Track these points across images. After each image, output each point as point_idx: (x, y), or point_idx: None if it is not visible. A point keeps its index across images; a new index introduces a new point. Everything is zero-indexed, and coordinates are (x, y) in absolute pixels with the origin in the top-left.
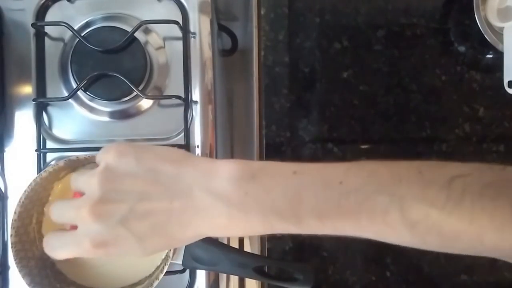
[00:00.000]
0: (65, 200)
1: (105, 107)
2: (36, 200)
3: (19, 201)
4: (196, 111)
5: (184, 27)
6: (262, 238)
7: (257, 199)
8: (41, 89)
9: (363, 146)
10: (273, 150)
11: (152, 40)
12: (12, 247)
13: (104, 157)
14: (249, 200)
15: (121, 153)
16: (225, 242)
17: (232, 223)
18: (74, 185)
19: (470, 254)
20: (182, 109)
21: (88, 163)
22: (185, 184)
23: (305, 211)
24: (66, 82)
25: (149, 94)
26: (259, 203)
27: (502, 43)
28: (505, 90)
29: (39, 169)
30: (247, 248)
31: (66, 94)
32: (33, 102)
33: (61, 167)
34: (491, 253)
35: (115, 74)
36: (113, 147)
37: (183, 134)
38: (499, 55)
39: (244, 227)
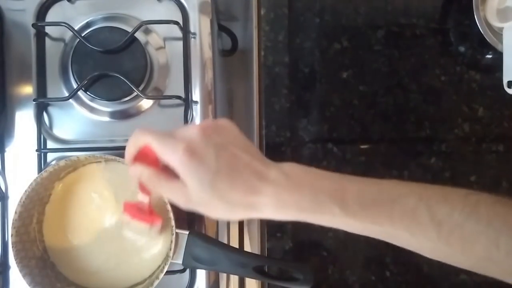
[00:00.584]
0: None
1: (106, 107)
2: (37, 200)
3: (20, 201)
4: (196, 111)
5: (184, 28)
6: (262, 237)
7: (310, 181)
8: (41, 89)
9: (362, 146)
10: (273, 150)
11: (153, 40)
12: (12, 247)
13: (217, 119)
14: (304, 181)
15: (231, 122)
16: (225, 241)
17: (289, 196)
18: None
19: (485, 267)
20: (182, 109)
21: (89, 163)
22: (265, 160)
23: (349, 196)
24: (67, 82)
25: (149, 94)
26: (312, 183)
27: (502, 43)
28: (505, 90)
29: (40, 169)
30: (247, 248)
31: (66, 94)
32: (34, 102)
33: (61, 167)
34: (504, 262)
35: (115, 74)
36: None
37: None
38: (499, 55)
39: (297, 201)
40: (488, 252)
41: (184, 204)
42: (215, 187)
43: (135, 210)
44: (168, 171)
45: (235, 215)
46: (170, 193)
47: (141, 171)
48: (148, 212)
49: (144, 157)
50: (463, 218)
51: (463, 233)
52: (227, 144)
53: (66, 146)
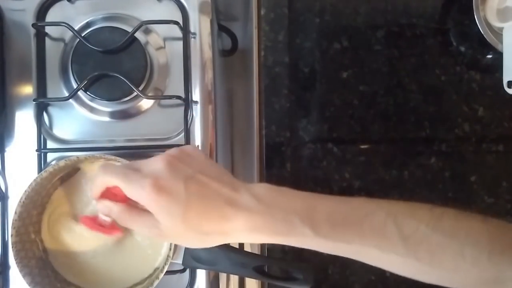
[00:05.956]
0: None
1: (106, 107)
2: (37, 200)
3: (20, 201)
4: (196, 111)
5: (184, 28)
6: None
7: (282, 203)
8: (41, 89)
9: (362, 146)
10: (273, 150)
11: (153, 40)
12: (12, 247)
13: (183, 146)
14: (276, 203)
15: (196, 148)
16: None
17: (261, 220)
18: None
19: (452, 279)
20: (182, 109)
21: (89, 163)
22: (235, 184)
23: (320, 217)
24: (67, 82)
25: (149, 94)
26: (283, 206)
27: (502, 43)
28: (505, 90)
29: (40, 169)
30: (247, 248)
31: (66, 94)
32: (34, 102)
33: (61, 167)
34: (471, 271)
35: (115, 74)
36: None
37: (183, 134)
38: (499, 55)
39: (269, 225)
40: (455, 263)
41: (158, 237)
42: (187, 219)
43: (93, 223)
44: (138, 205)
45: (210, 243)
46: (143, 228)
47: (110, 208)
48: (109, 226)
49: (112, 194)
50: (429, 232)
51: (430, 246)
52: (194, 173)
53: (66, 146)
